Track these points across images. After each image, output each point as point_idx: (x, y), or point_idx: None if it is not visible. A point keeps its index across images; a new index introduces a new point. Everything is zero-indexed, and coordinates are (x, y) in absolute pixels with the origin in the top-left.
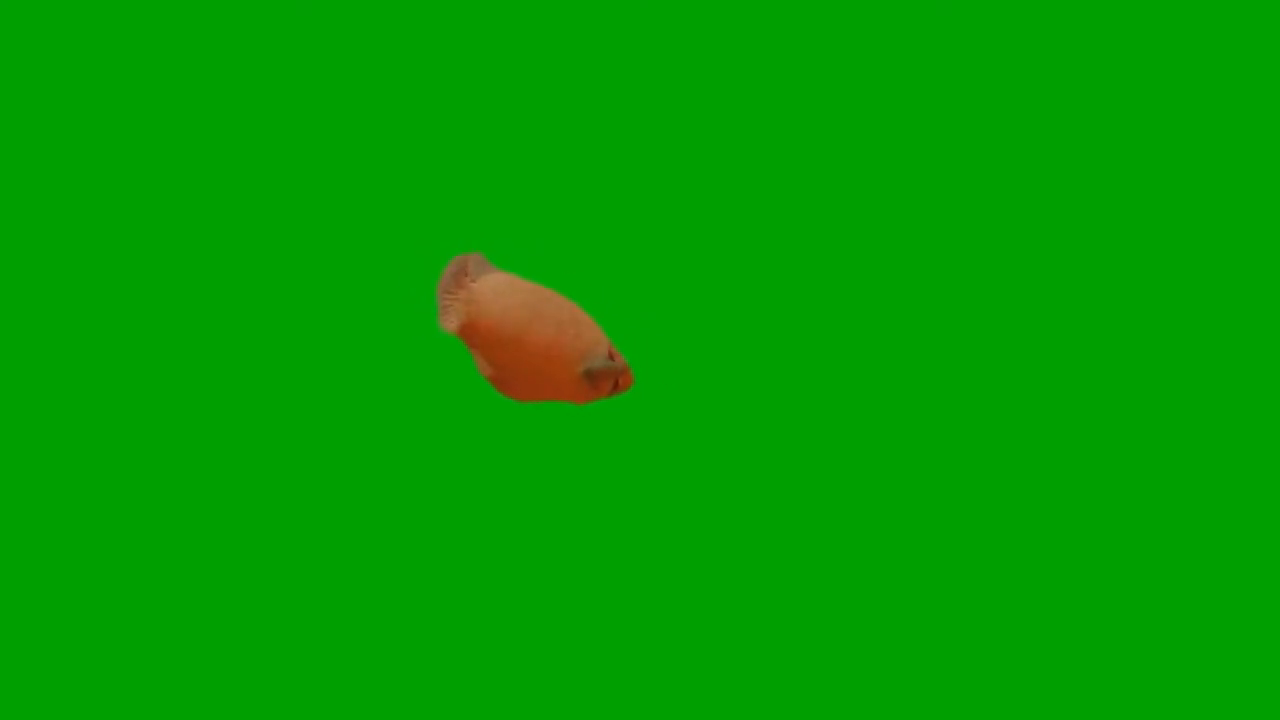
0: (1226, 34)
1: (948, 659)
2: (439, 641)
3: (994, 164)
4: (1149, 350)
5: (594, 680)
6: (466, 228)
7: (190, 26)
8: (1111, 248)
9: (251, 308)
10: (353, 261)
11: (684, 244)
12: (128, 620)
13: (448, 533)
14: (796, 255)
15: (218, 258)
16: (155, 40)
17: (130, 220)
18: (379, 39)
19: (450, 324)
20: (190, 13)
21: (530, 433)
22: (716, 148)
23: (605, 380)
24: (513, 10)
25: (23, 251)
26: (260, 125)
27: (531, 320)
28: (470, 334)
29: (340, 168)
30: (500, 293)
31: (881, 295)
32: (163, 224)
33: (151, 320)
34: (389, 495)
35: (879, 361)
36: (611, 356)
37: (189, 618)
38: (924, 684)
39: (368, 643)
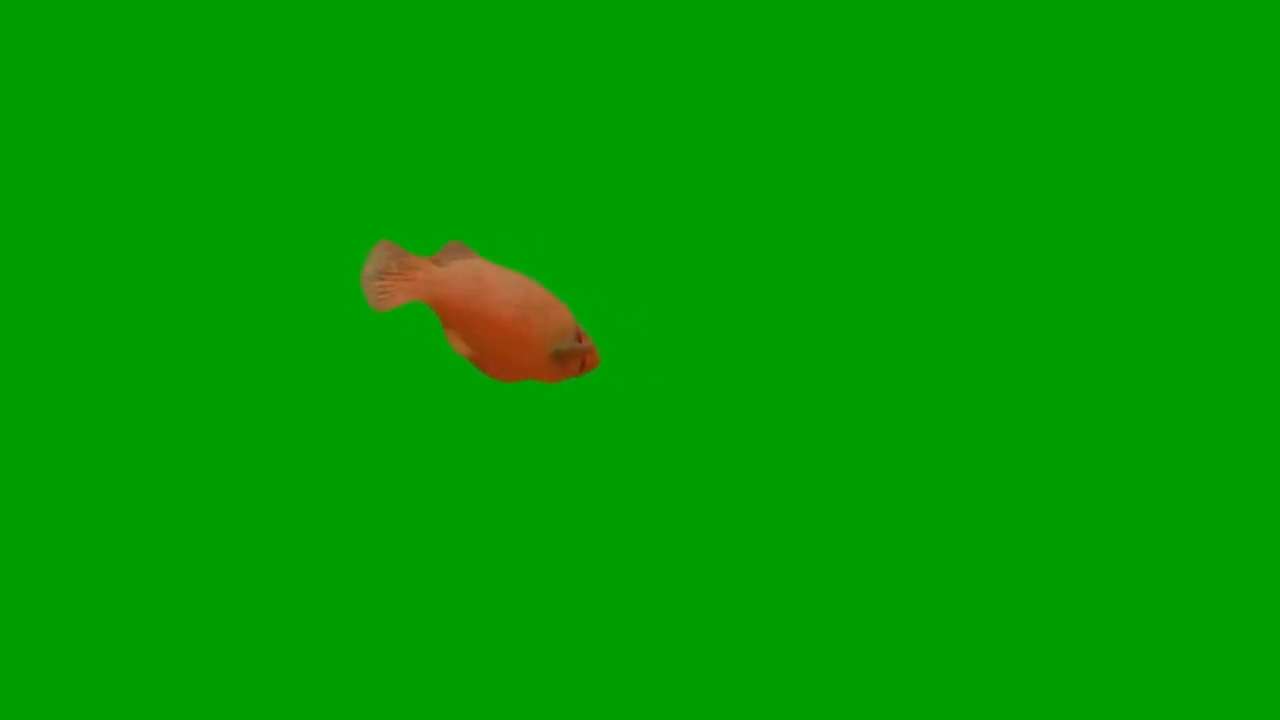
0: (1226, 34)
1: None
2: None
3: (977, 160)
4: (1141, 351)
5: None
6: (447, 218)
7: (180, 24)
8: (1099, 248)
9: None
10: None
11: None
12: (108, 612)
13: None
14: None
15: (201, 247)
16: (144, 38)
17: (115, 218)
18: (362, 36)
19: (395, 301)
20: (181, 11)
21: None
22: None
23: (573, 361)
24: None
25: (18, 251)
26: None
27: (506, 304)
28: (444, 312)
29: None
30: (474, 275)
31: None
32: (140, 219)
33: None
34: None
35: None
36: (579, 338)
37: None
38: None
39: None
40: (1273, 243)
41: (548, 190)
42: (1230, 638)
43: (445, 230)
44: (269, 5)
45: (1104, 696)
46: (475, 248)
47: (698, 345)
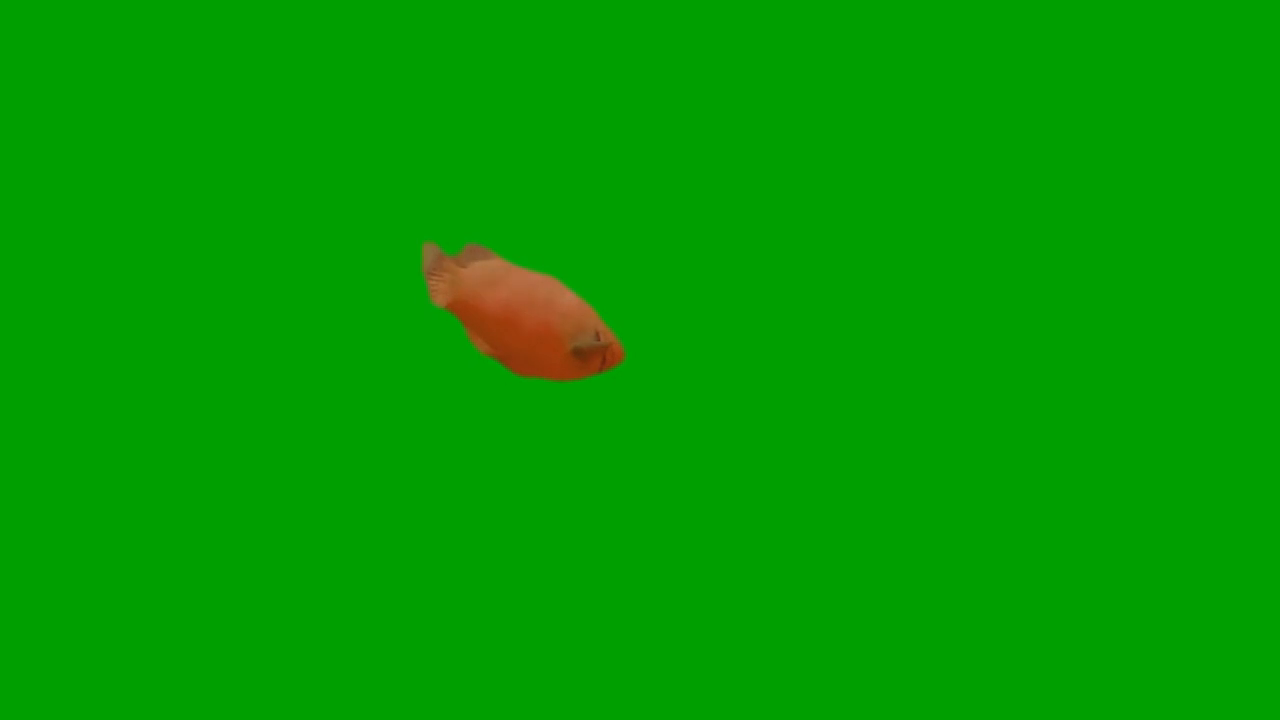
0: (1226, 34)
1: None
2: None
3: (989, 161)
4: (1149, 351)
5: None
6: (463, 216)
7: (188, 25)
8: (1111, 248)
9: (258, 293)
10: (351, 251)
11: (676, 224)
12: (126, 614)
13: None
14: (788, 238)
15: (221, 248)
16: (150, 39)
17: (128, 219)
18: (376, 33)
19: (439, 300)
20: (187, 12)
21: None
22: (717, 132)
23: (594, 357)
24: (504, 4)
25: (21, 252)
26: (255, 121)
27: (523, 304)
28: (463, 313)
29: (339, 160)
30: (491, 277)
31: (876, 280)
32: (164, 219)
33: (150, 310)
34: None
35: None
36: (599, 334)
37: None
38: (914, 679)
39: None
40: (1273, 243)
41: (572, 188)
42: (1230, 638)
43: (467, 230)
44: (285, 7)
45: (1103, 696)
46: (497, 246)
47: (723, 340)
